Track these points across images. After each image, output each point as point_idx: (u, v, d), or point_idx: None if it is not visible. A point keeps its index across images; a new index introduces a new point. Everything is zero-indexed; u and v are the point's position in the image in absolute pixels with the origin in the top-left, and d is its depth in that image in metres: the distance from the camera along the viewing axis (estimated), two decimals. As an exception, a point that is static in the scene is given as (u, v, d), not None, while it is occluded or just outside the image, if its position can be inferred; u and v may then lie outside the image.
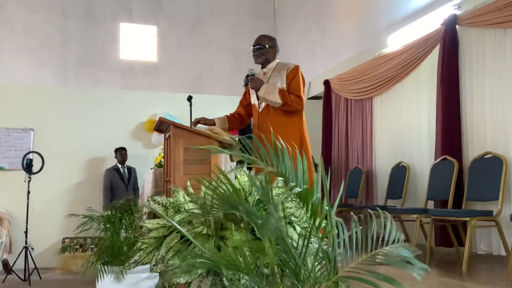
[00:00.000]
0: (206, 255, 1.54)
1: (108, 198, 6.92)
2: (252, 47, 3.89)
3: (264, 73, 3.90)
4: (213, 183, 1.85)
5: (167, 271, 2.02)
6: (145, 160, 7.41)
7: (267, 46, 3.85)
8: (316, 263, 1.31)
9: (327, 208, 1.45)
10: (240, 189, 2.13)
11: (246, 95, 4.10)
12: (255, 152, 1.60)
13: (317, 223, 1.40)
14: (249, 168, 4.26)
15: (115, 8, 8.42)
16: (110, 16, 8.37)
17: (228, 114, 4.10)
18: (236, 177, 2.26)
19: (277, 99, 3.66)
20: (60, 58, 7.96)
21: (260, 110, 3.82)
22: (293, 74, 3.76)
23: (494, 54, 4.31)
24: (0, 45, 7.69)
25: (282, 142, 1.58)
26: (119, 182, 7.04)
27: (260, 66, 3.97)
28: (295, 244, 1.53)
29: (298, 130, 3.75)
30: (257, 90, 3.78)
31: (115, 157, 7.13)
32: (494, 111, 4.28)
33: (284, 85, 3.73)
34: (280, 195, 2.03)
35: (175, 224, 1.87)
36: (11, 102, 7.21)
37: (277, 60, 3.94)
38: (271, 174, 1.62)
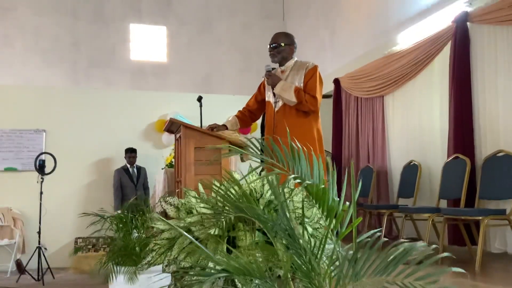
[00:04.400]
0: (217, 258, 1.54)
1: (119, 198, 7.02)
2: (268, 46, 3.84)
3: (282, 71, 3.84)
4: (223, 187, 1.86)
5: (179, 273, 2.03)
6: (155, 160, 7.46)
7: (283, 45, 3.79)
8: (332, 266, 1.30)
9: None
10: (251, 191, 2.13)
11: (261, 89, 4.02)
12: (269, 152, 1.60)
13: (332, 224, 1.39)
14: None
15: (124, 9, 8.46)
16: (119, 17, 8.41)
17: (238, 114, 4.05)
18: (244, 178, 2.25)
19: (292, 98, 3.61)
20: (71, 59, 8.02)
21: (276, 109, 3.75)
22: (311, 74, 3.71)
23: (506, 51, 4.26)
24: (12, 47, 7.76)
25: (298, 144, 1.57)
26: (128, 182, 7.13)
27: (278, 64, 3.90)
28: (306, 245, 1.53)
29: (314, 130, 3.70)
30: (273, 87, 3.73)
31: (124, 157, 7.21)
32: (507, 108, 4.24)
33: (302, 84, 3.69)
34: (292, 194, 2.02)
35: (180, 230, 1.88)
36: (23, 103, 7.28)
37: (295, 58, 3.88)
38: (282, 174, 1.62)
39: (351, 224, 1.37)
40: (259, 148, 1.82)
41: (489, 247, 4.30)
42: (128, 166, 7.21)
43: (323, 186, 1.43)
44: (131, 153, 7.19)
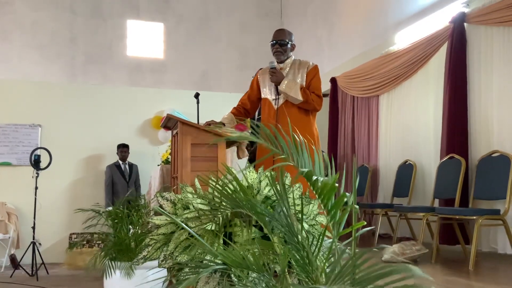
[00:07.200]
0: (214, 252, 1.55)
1: (110, 194, 6.95)
2: (273, 42, 3.78)
3: (281, 68, 3.82)
4: (220, 181, 1.86)
5: (175, 268, 2.03)
6: (151, 157, 7.44)
7: (290, 43, 3.80)
8: (327, 262, 1.31)
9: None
10: (248, 187, 2.14)
11: (254, 87, 3.98)
12: (268, 140, 1.59)
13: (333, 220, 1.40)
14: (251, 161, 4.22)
15: (122, 5, 8.45)
16: (117, 13, 8.40)
17: (233, 111, 4.04)
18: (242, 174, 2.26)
19: (298, 96, 3.62)
20: (68, 55, 8.00)
21: (277, 106, 3.75)
22: (314, 73, 3.74)
23: (502, 52, 4.29)
24: (9, 42, 7.73)
25: (301, 137, 1.57)
26: (120, 179, 7.07)
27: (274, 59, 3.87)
28: (304, 240, 1.54)
29: (314, 129, 3.74)
30: (277, 84, 3.72)
31: (116, 153, 7.17)
32: (502, 109, 4.26)
33: (304, 83, 3.71)
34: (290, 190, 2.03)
35: (180, 223, 1.89)
36: (20, 98, 7.25)
37: (292, 56, 3.88)
38: (289, 168, 1.62)
39: (351, 225, 1.38)
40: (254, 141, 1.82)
41: (480, 246, 4.33)
42: (120, 162, 7.16)
43: (332, 181, 1.42)
44: (123, 148, 7.12)
